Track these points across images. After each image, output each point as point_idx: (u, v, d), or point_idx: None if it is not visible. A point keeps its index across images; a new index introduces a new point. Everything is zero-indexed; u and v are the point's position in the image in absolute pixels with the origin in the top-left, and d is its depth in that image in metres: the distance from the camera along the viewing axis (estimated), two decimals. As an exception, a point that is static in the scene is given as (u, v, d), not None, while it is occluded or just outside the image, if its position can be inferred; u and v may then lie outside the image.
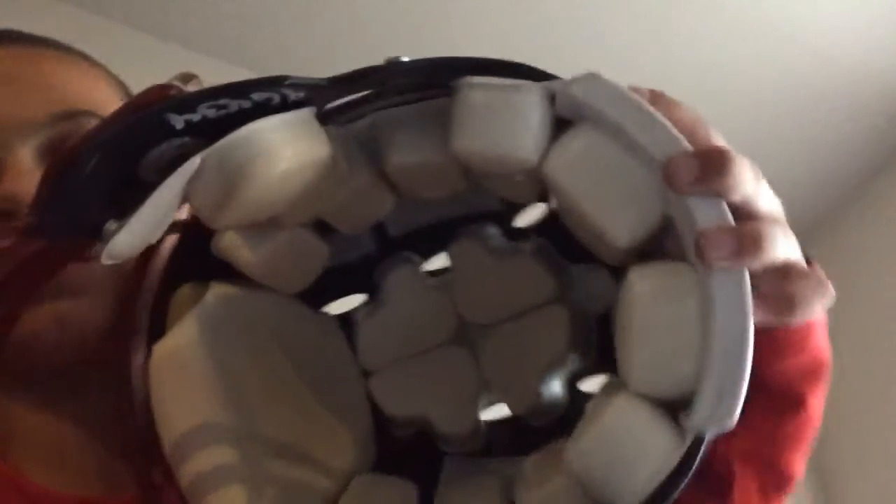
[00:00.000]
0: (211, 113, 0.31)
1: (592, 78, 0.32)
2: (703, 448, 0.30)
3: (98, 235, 0.30)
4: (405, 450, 0.46)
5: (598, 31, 1.67)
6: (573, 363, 0.43)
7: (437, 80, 0.33)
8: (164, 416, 0.37)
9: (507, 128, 0.31)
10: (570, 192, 0.32)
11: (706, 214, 0.29)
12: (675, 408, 0.30)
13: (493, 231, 0.44)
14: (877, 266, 1.91)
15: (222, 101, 0.31)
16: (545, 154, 0.32)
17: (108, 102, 0.51)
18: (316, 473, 0.41)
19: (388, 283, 0.45)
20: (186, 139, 0.31)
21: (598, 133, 0.31)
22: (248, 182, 0.31)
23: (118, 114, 0.30)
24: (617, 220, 0.31)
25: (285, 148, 0.32)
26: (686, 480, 0.30)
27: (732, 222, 0.29)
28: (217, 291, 0.39)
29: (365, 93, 0.35)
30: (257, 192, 0.31)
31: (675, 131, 0.30)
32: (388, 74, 0.33)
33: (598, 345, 0.43)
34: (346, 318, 0.46)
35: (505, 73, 0.33)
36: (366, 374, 0.46)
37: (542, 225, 0.44)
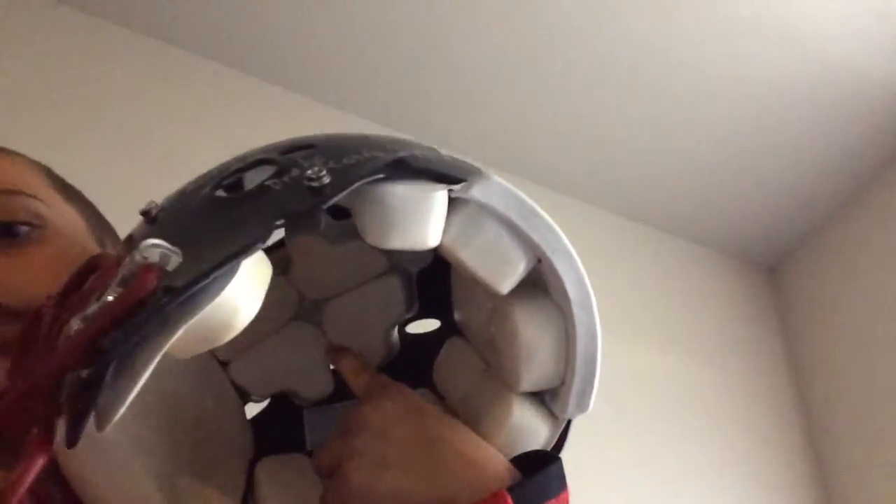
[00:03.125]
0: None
1: (486, 182, 0.41)
2: (569, 428, 0.46)
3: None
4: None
5: (597, 33, 1.67)
6: (404, 316, 0.55)
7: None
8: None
9: (415, 227, 0.38)
10: (464, 265, 0.41)
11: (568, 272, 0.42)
12: (542, 395, 0.46)
13: (325, 218, 0.49)
14: (875, 269, 1.91)
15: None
16: (442, 234, 0.40)
17: (39, 187, 0.54)
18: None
19: None
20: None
21: (486, 217, 0.41)
22: (230, 331, 0.35)
23: (114, 314, 0.32)
24: (501, 280, 0.42)
25: (250, 300, 0.36)
26: (562, 451, 0.46)
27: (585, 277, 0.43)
28: None
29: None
30: (236, 332, 0.36)
31: (549, 220, 0.42)
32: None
33: (420, 297, 0.55)
34: None
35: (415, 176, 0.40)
36: (223, 364, 0.51)
37: None
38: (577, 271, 0.42)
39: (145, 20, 1.63)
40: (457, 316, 0.53)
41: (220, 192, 0.39)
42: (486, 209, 0.41)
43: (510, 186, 0.41)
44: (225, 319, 0.34)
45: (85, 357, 0.32)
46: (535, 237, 0.41)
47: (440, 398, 0.52)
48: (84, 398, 0.31)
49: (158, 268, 0.32)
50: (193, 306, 0.32)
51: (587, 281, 0.43)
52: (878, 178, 1.96)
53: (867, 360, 1.86)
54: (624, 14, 1.65)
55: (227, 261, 0.33)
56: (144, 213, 0.39)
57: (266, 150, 0.42)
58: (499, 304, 0.44)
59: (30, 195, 0.51)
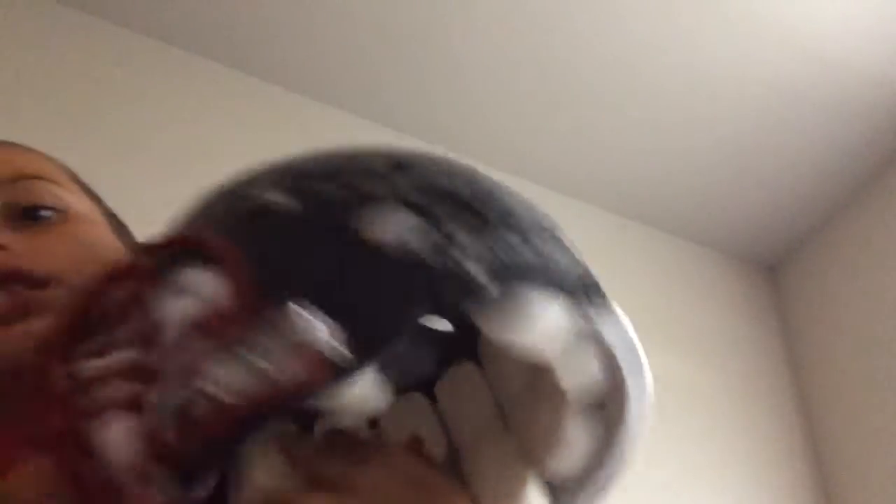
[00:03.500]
0: None
1: (608, 316, 0.41)
2: None
3: None
4: None
5: (597, 33, 1.67)
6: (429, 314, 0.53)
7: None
8: None
9: (531, 335, 0.38)
10: (548, 367, 0.40)
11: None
12: (552, 483, 0.44)
13: None
14: (875, 269, 1.91)
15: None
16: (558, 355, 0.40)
17: (60, 176, 0.55)
18: None
19: None
20: None
21: (592, 342, 0.40)
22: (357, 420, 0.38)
23: (277, 396, 0.32)
24: (573, 386, 0.41)
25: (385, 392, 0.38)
26: None
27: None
28: None
29: None
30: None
31: (642, 353, 0.43)
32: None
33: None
34: None
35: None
36: None
37: None
38: (644, 391, 0.43)
39: (145, 20, 1.63)
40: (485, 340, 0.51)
41: (357, 227, 0.35)
42: (596, 335, 0.40)
43: (627, 324, 0.42)
44: (360, 410, 0.35)
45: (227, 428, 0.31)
46: (624, 367, 0.41)
47: (433, 401, 0.50)
48: (211, 466, 0.32)
49: (329, 361, 0.31)
50: (342, 392, 0.33)
51: (652, 401, 0.43)
52: (878, 178, 1.96)
53: (867, 359, 1.86)
54: (624, 14, 1.64)
55: (388, 348, 0.33)
56: (263, 207, 0.37)
57: (395, 181, 0.38)
58: (551, 390, 0.43)
59: (53, 181, 0.52)
